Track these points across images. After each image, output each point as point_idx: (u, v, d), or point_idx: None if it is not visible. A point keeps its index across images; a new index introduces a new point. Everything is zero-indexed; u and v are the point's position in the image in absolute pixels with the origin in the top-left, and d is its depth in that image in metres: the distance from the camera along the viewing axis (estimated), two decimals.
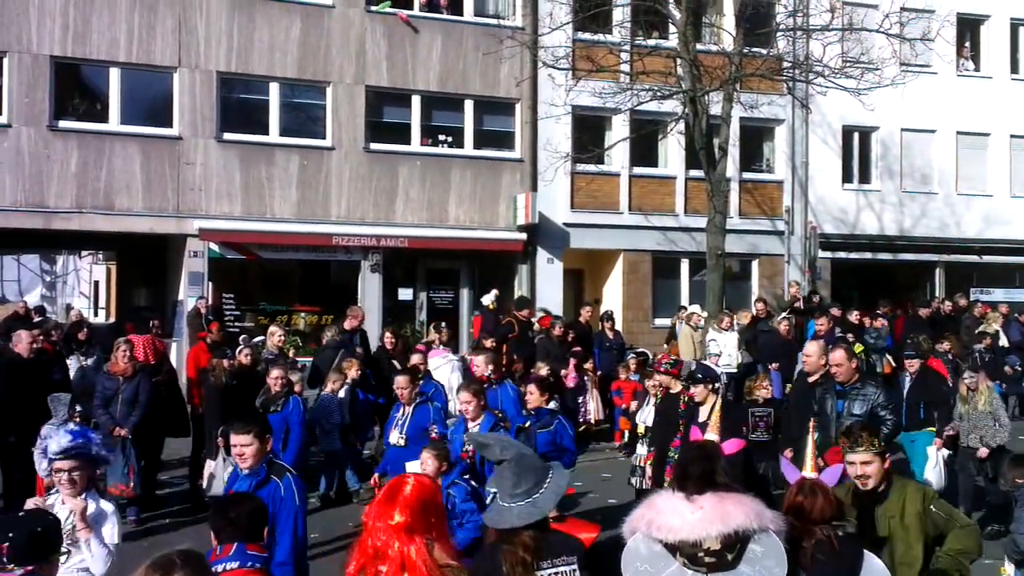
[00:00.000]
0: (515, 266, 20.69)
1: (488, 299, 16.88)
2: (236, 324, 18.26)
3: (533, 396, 8.26)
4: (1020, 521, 6.66)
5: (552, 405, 8.41)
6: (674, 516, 3.73)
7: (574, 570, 3.76)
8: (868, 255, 23.68)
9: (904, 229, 24.08)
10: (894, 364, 17.22)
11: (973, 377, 10.84)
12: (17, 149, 17.11)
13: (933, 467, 10.24)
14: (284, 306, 19.28)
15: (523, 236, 20.35)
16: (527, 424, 8.14)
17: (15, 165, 17.09)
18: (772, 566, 3.69)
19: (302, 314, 19.26)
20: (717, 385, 8.29)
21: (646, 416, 10.38)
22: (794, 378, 12.09)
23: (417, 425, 8.56)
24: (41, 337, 10.73)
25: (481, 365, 10.05)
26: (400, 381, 8.95)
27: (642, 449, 10.09)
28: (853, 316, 17.25)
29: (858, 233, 23.62)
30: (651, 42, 19.99)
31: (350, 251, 19.22)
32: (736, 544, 3.67)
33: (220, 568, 3.42)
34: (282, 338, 13.13)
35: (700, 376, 8.00)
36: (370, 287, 19.38)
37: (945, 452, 10.50)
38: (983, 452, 10.46)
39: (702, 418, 7.58)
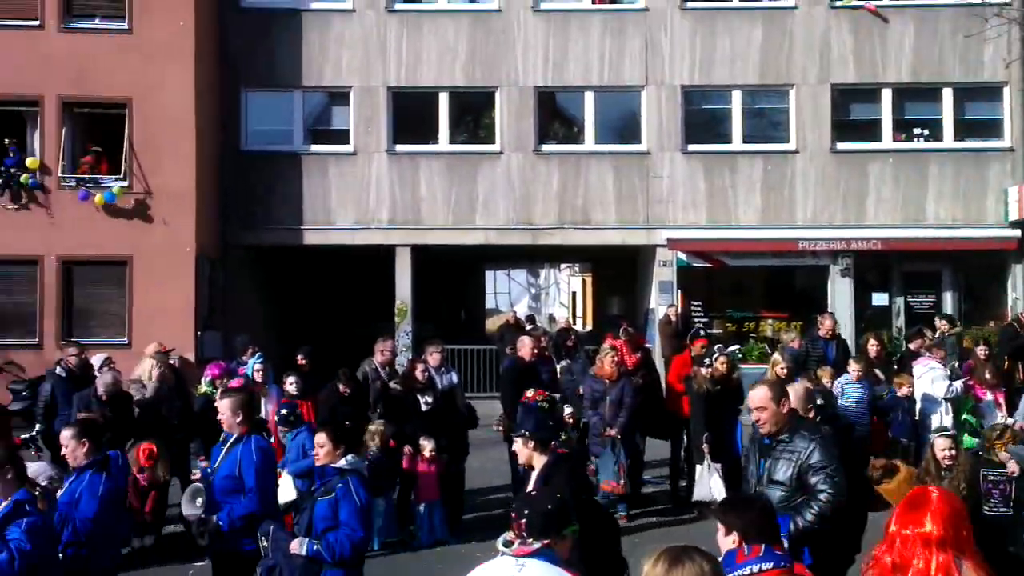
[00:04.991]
0: (1008, 265, 18.67)
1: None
2: (704, 332, 18.56)
3: (324, 449, 5.94)
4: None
5: (343, 463, 5.86)
6: None
7: None
8: None
9: None
10: None
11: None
12: (508, 174, 19.04)
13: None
14: (750, 312, 19.29)
15: (1016, 233, 18.29)
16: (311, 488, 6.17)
17: (507, 189, 19.03)
18: None
19: (769, 320, 19.09)
20: None
21: None
22: None
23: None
24: (542, 342, 11.81)
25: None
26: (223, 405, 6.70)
27: None
28: None
29: None
30: None
31: (817, 255, 18.70)
32: None
33: (756, 568, 3.53)
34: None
35: None
36: (840, 292, 18.67)
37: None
38: None
39: None
